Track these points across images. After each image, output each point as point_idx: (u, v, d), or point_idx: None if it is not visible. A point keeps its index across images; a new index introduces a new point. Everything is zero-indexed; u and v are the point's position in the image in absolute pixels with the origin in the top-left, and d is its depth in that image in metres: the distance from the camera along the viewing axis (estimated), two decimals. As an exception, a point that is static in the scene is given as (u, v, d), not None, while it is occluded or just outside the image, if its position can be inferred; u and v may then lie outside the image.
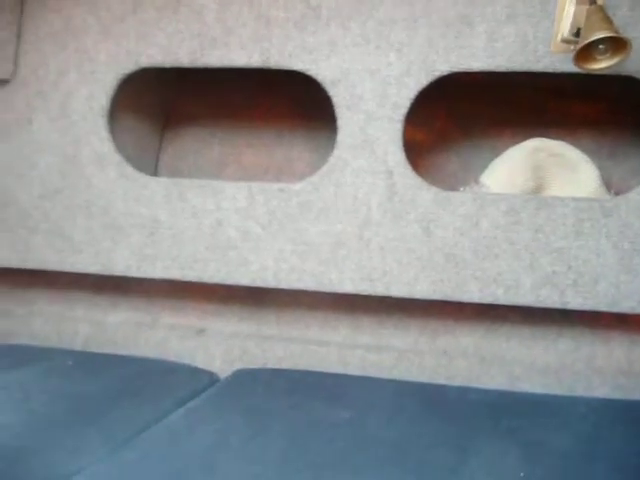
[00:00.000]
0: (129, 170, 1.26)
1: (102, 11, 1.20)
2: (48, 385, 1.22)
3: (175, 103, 1.51)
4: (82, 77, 1.23)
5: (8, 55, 1.23)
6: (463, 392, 1.13)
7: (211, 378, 1.28)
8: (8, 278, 1.49)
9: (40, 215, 1.32)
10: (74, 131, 1.25)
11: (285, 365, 1.27)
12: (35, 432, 1.04)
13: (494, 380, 1.15)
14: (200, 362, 1.33)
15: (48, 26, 1.23)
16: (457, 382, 1.17)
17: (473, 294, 1.13)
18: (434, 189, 1.13)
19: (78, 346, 1.41)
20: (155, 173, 1.46)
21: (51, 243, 1.32)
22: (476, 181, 1.25)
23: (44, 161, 1.28)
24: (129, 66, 1.20)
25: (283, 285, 1.22)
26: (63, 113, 1.25)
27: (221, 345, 1.36)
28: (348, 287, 1.19)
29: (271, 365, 1.29)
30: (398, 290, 1.17)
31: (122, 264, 1.29)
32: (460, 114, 1.36)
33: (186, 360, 1.34)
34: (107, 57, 1.21)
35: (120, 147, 1.27)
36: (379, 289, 1.17)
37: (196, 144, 1.49)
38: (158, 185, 1.26)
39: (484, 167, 1.26)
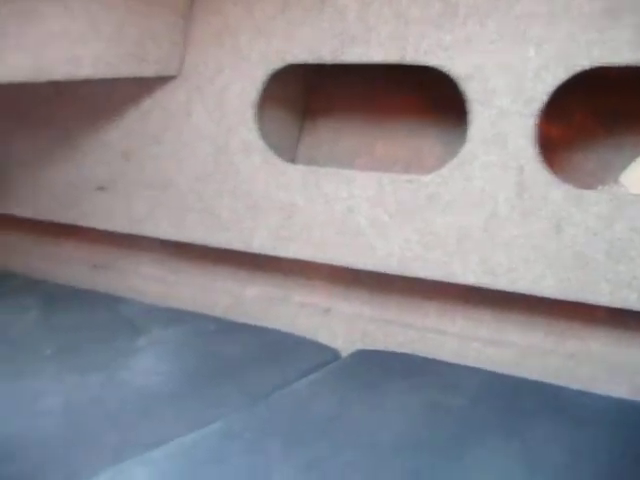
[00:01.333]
0: (272, 157, 1.38)
1: (256, 12, 1.32)
2: (194, 344, 1.40)
3: (314, 96, 1.60)
4: (235, 73, 1.36)
5: (177, 55, 1.40)
6: (583, 396, 1.11)
7: (333, 355, 1.38)
8: (165, 250, 1.70)
9: (194, 196, 1.49)
10: (226, 122, 1.40)
11: (403, 350, 1.32)
12: (184, 382, 1.22)
13: (618, 388, 1.11)
14: (324, 339, 1.43)
15: (209, 27, 1.37)
16: (578, 386, 1.15)
17: (603, 297, 1.10)
18: (566, 186, 1.11)
19: (218, 314, 1.57)
20: (294, 161, 1.57)
21: (202, 221, 1.49)
22: (616, 181, 1.20)
23: (201, 148, 1.44)
24: (277, 63, 1.30)
25: (406, 272, 1.26)
26: (218, 106, 1.40)
27: (344, 325, 1.44)
28: (471, 279, 1.20)
29: (390, 348, 1.34)
30: (523, 286, 1.16)
31: (260, 243, 1.42)
32: (603, 110, 1.30)
33: (311, 336, 1.44)
34: (258, 55, 1.33)
35: (264, 136, 1.39)
36: (502, 283, 1.18)
37: (331, 134, 1.58)
38: (296, 172, 1.36)
39: (625, 167, 1.20)
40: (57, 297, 1.71)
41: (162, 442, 0.98)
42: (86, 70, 1.27)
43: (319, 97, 1.60)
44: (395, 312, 1.39)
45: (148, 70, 1.37)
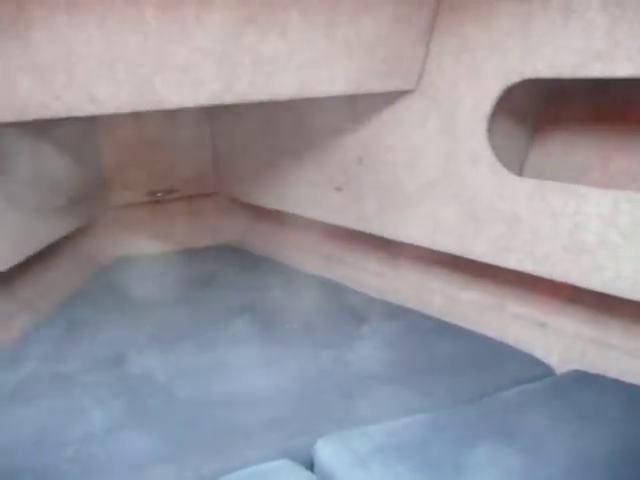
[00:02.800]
0: (499, 169, 1.40)
1: (494, 29, 1.35)
2: (410, 338, 1.52)
3: (546, 107, 1.58)
4: (471, 87, 1.41)
5: (416, 70, 1.50)
6: None
7: (546, 370, 1.37)
8: (387, 247, 1.83)
9: (418, 199, 1.59)
10: (458, 133, 1.46)
11: (627, 379, 1.25)
12: (399, 371, 1.34)
13: None
14: (538, 353, 1.42)
15: (448, 44, 1.45)
16: None
17: None
18: None
19: (432, 313, 1.66)
20: (520, 173, 1.57)
21: (425, 224, 1.58)
22: None
23: (431, 156, 1.53)
24: (513, 78, 1.32)
25: (639, 297, 1.20)
26: (451, 118, 1.47)
27: (560, 342, 1.41)
28: None
29: (611, 375, 1.28)
30: None
31: (480, 250, 1.46)
32: None
33: (524, 348, 1.44)
34: (494, 70, 1.36)
35: (493, 148, 1.42)
36: None
37: (562, 147, 1.54)
38: (523, 184, 1.37)
39: None
40: (293, 280, 1.99)
41: (377, 420, 1.11)
42: (339, 88, 1.44)
43: (550, 109, 1.57)
44: (620, 337, 1.32)
45: (390, 85, 1.50)
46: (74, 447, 1.12)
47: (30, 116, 1.28)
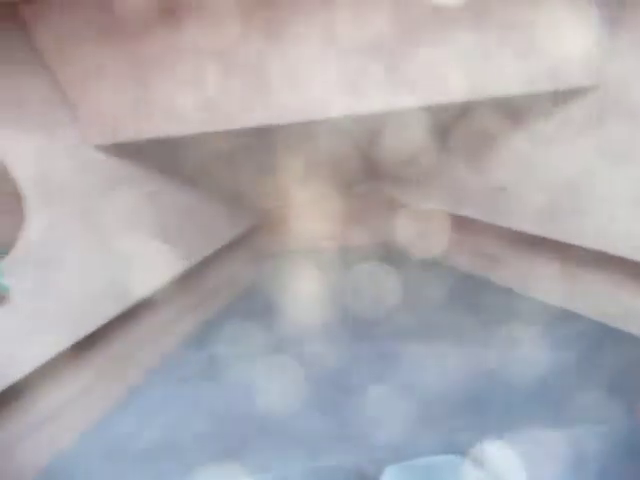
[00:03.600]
0: None
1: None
2: (580, 344, 1.47)
3: None
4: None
5: (594, 67, 1.37)
6: None
7: None
8: (553, 250, 1.73)
9: (598, 203, 1.47)
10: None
11: None
12: (570, 380, 1.33)
13: None
14: None
15: (632, 39, 1.32)
16: None
17: None
18: None
19: (608, 321, 1.56)
20: None
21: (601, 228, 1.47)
22: None
23: (609, 158, 1.41)
24: None
25: None
26: (632, 116, 1.35)
27: None
28: None
29: None
30: None
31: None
32: None
33: None
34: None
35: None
36: None
37: None
38: None
39: None
40: (449, 277, 2.03)
41: (548, 425, 1.08)
42: (515, 87, 1.38)
43: None
44: None
45: (567, 83, 1.41)
46: (259, 420, 1.27)
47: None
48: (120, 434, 1.31)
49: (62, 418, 1.33)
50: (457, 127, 1.93)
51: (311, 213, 2.59)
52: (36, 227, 1.28)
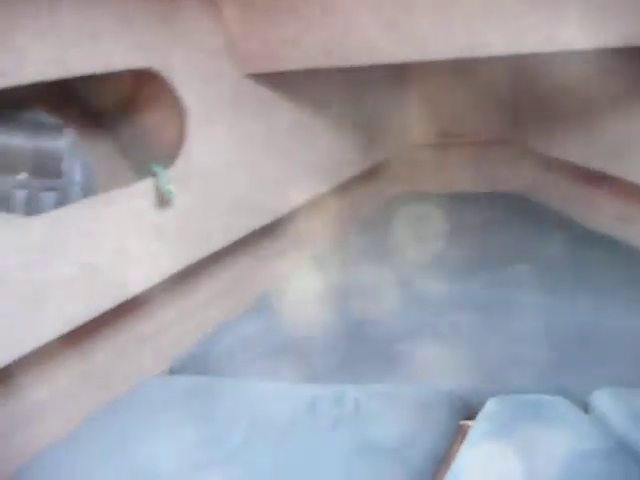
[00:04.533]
0: None
1: None
2: None
3: None
4: None
5: None
6: None
7: None
8: None
9: None
10: None
11: None
12: None
13: None
14: None
15: None
16: None
17: None
18: None
19: None
20: None
21: None
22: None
23: None
24: None
25: None
26: None
27: None
28: None
29: None
30: None
31: None
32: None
33: None
34: None
35: None
36: None
37: None
38: None
39: None
40: (578, 237, 1.95)
41: None
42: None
43: None
44: None
45: None
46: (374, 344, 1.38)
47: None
48: (247, 335, 1.48)
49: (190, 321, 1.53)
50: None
51: (432, 155, 2.58)
52: (196, 143, 1.44)
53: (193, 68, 1.45)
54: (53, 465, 1.06)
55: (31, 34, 1.09)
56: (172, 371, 1.42)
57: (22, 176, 1.18)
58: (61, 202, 1.22)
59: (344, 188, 2.13)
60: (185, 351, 1.45)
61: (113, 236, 1.24)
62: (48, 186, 1.21)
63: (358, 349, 1.38)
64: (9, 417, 1.13)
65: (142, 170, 1.49)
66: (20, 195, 1.18)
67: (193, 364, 1.40)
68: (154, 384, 1.32)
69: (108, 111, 1.57)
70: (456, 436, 1.09)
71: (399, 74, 2.44)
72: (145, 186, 1.33)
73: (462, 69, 2.24)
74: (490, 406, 1.09)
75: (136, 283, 1.28)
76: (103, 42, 1.22)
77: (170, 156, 1.43)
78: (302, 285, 1.71)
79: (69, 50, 1.15)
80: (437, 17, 1.39)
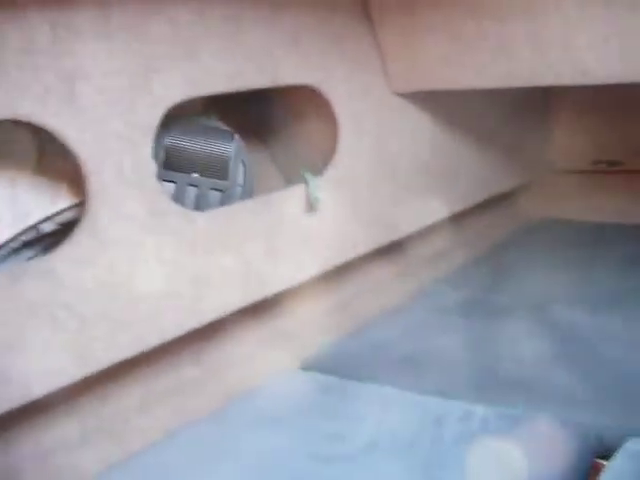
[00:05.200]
0: None
1: None
2: None
3: None
4: None
5: None
6: None
7: None
8: None
9: None
10: None
11: None
12: None
13: None
14: None
15: None
16: None
17: None
18: None
19: None
20: None
21: None
22: None
23: None
24: None
25: None
26: None
27: None
28: None
29: None
30: None
31: None
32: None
33: None
34: None
35: None
36: None
37: None
38: None
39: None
40: None
41: None
42: None
43: None
44: None
45: None
46: (508, 366, 1.34)
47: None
48: (379, 341, 1.53)
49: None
50: None
51: (581, 182, 2.45)
52: (345, 155, 1.53)
53: (348, 85, 1.54)
54: (184, 443, 1.16)
55: (216, 51, 1.24)
56: (302, 368, 1.49)
57: (195, 175, 1.33)
58: (224, 201, 1.35)
59: (481, 209, 2.12)
60: (316, 351, 1.53)
61: (266, 235, 1.35)
62: (215, 186, 1.35)
63: (491, 368, 1.36)
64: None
65: (292, 178, 1.61)
66: (191, 192, 1.33)
67: (323, 364, 1.47)
68: (286, 378, 1.41)
69: (266, 122, 1.71)
70: (587, 475, 1.04)
71: (545, 96, 2.37)
72: (296, 192, 1.43)
73: (617, 93, 2.15)
74: (630, 446, 1.02)
75: (282, 280, 1.38)
76: (275, 59, 1.35)
77: (320, 166, 1.52)
78: (437, 299, 1.73)
79: (247, 65, 1.29)
80: (595, 38, 1.36)
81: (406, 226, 1.73)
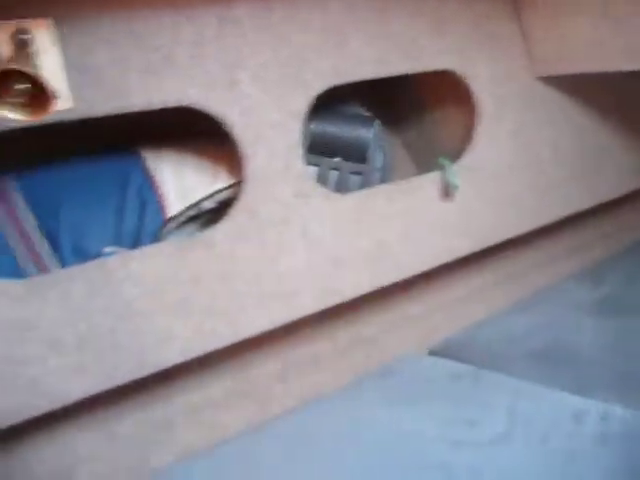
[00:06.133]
0: None
1: None
2: None
3: None
4: None
5: None
6: None
7: None
8: None
9: None
10: None
11: None
12: None
13: None
14: None
15: None
16: None
17: None
18: None
19: None
20: None
21: None
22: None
23: None
24: None
25: None
26: None
27: None
28: None
29: None
30: None
31: None
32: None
33: None
34: None
35: None
36: None
37: None
38: None
39: None
40: None
41: None
42: None
43: None
44: None
45: None
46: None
47: None
48: (511, 332, 1.50)
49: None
50: None
51: None
52: (484, 141, 1.50)
53: (489, 70, 1.51)
54: (318, 414, 1.23)
55: (363, 38, 1.28)
56: (431, 354, 1.51)
57: (337, 159, 1.38)
58: (363, 185, 1.39)
59: (623, 201, 1.99)
60: (445, 337, 1.53)
61: (401, 220, 1.37)
62: (355, 170, 1.40)
63: (630, 368, 1.29)
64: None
65: (425, 164, 1.61)
66: (333, 175, 1.38)
67: (453, 350, 1.48)
68: (415, 362, 1.43)
69: (399, 108, 1.72)
70: None
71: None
72: (432, 178, 1.43)
73: None
74: None
75: (415, 264, 1.40)
76: (419, 45, 1.36)
77: (456, 152, 1.51)
78: (574, 294, 1.66)
79: (392, 52, 1.31)
80: None
81: (545, 216, 1.67)
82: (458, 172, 1.44)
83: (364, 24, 1.28)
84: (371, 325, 1.49)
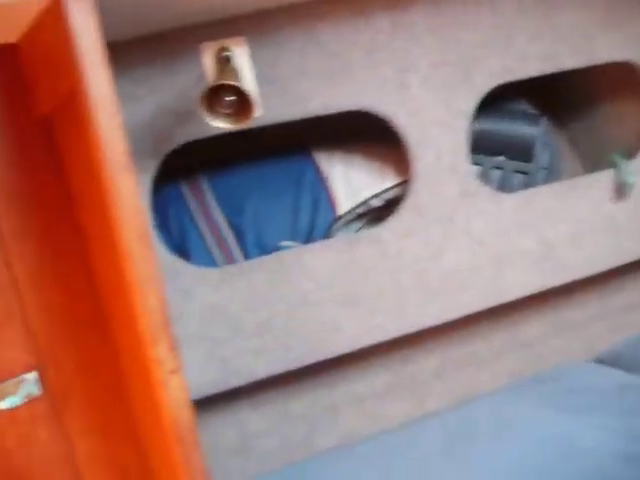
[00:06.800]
0: None
1: None
2: None
3: None
4: None
5: None
6: None
7: None
8: None
9: None
10: None
11: None
12: None
13: None
14: None
15: None
16: None
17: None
18: None
19: None
20: None
21: None
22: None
23: None
24: None
25: None
26: None
27: None
28: None
29: None
30: None
31: None
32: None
33: None
34: None
35: None
36: None
37: None
38: None
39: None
40: None
41: None
42: None
43: None
44: None
45: None
46: None
47: None
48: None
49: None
50: None
51: None
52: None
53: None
54: (478, 411, 1.23)
55: (530, 34, 1.25)
56: (596, 362, 1.43)
57: (500, 158, 1.37)
58: (527, 184, 1.36)
59: None
60: (611, 346, 1.45)
61: (568, 220, 1.32)
62: (519, 168, 1.37)
63: None
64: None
65: (594, 161, 1.53)
66: (495, 174, 1.37)
67: (620, 360, 1.39)
68: (579, 369, 1.37)
69: (566, 104, 1.64)
70: None
71: None
72: (604, 176, 1.36)
73: None
74: None
75: (583, 267, 1.34)
76: (589, 37, 1.29)
77: (630, 148, 1.42)
78: None
79: (560, 46, 1.27)
80: None
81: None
82: (634, 170, 1.35)
83: (531, 20, 1.25)
84: (530, 329, 1.45)
